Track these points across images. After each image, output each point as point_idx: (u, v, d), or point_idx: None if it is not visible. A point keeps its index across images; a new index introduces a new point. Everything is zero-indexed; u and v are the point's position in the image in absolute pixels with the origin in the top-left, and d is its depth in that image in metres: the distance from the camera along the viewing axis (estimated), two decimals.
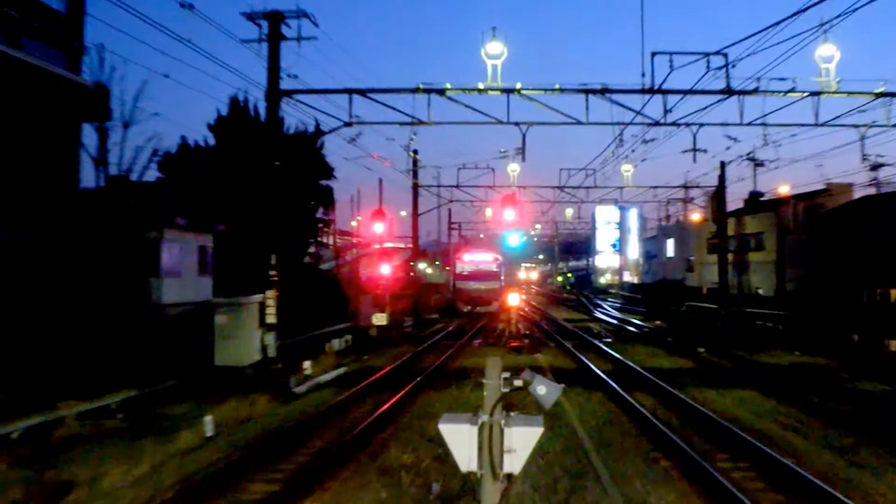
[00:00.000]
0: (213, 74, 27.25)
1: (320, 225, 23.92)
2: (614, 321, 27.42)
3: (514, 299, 20.01)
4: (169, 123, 77.42)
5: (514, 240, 19.40)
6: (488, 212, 43.97)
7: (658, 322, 25.44)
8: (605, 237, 66.84)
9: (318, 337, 16.84)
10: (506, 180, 26.42)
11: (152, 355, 11.73)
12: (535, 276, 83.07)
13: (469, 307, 32.69)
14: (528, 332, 21.13)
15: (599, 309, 35.64)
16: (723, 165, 22.99)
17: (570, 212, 48.08)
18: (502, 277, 43.27)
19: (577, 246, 79.49)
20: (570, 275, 73.05)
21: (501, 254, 35.36)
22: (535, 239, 77.10)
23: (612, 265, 66.45)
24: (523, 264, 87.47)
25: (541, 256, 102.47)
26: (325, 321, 18.33)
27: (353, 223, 50.29)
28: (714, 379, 12.45)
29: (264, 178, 13.09)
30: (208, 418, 8.18)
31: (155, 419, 8.64)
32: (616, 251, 65.00)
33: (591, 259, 72.45)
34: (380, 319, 19.37)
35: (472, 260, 39.70)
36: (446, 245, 50.38)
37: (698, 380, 12.31)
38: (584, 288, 59.83)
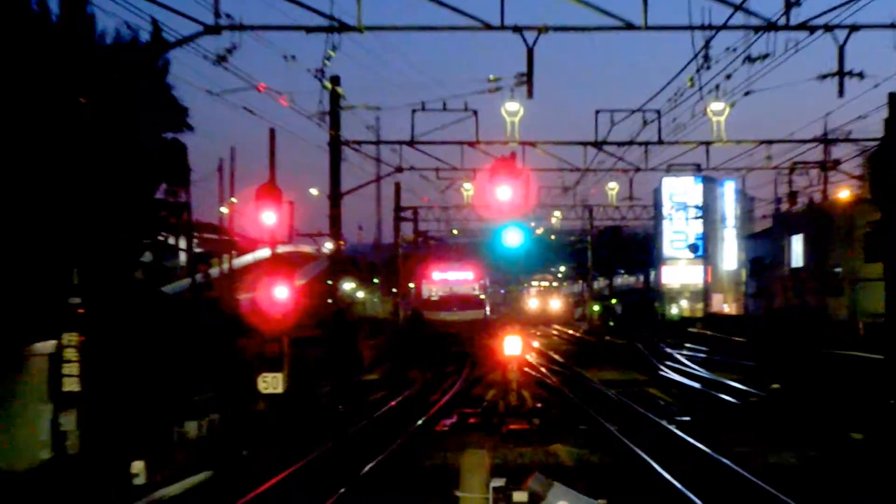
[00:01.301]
0: None
1: (164, 213, 23.33)
2: (695, 384, 27.89)
3: (513, 346, 20.13)
4: None
5: (514, 239, 19.45)
6: (467, 189, 44.68)
7: (777, 385, 25.81)
8: (676, 234, 68.24)
9: (158, 415, 16.58)
10: (499, 132, 26.71)
11: None
12: (555, 302, 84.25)
13: (439, 348, 36.71)
14: (537, 405, 21.50)
15: (668, 362, 36.16)
16: (894, 99, 21.59)
17: (613, 189, 49.31)
18: (487, 304, 46.81)
19: (626, 250, 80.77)
20: (614, 301, 74.09)
21: (487, 267, 37.76)
22: (553, 238, 78.02)
23: (691, 282, 67.94)
24: (533, 283, 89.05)
25: (562, 269, 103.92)
26: (172, 385, 18.08)
27: (224, 210, 50.10)
28: None
29: (53, 127, 12.77)
30: None
31: None
32: (698, 257, 66.51)
33: (652, 273, 73.77)
34: (271, 383, 19.16)
35: (442, 279, 44.99)
36: (392, 251, 51.23)
37: None
38: (639, 323, 60.79)
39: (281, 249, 29.73)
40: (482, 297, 45.66)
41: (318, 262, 49.35)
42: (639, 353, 39.51)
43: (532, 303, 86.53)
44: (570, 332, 62.59)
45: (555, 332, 64.32)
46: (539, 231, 64.41)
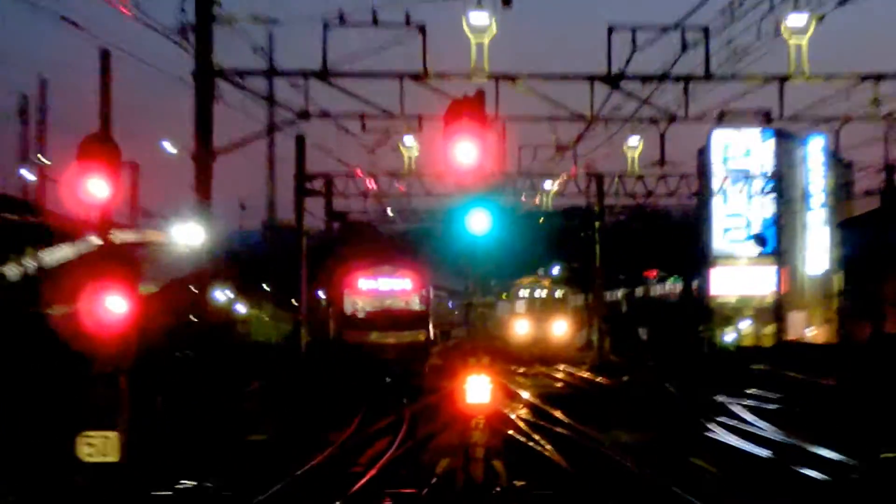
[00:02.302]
0: None
1: None
2: (762, 451, 28.23)
3: (478, 391, 20.32)
4: None
5: (480, 222, 19.74)
6: (409, 147, 44.74)
7: (892, 454, 26.13)
8: (733, 218, 68.72)
9: None
10: (460, 60, 26.85)
11: None
12: (560, 325, 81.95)
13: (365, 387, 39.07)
14: (515, 483, 21.83)
15: (720, 417, 36.52)
16: None
17: (635, 148, 49.68)
18: (430, 322, 49.18)
19: (654, 242, 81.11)
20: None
21: (437, 269, 39.06)
22: (542, 222, 78.44)
23: (755, 294, 68.18)
24: (522, 291, 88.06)
25: (555, 271, 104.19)
26: None
27: (29, 175, 49.41)
28: None
29: None
30: None
31: None
32: (767, 254, 66.91)
33: (696, 277, 74.10)
34: (99, 448, 19.08)
35: (369, 288, 47.47)
36: (293, 242, 51.25)
37: None
38: (674, 356, 61.00)
39: (119, 238, 29.32)
40: (423, 311, 48.58)
41: (176, 259, 49.03)
42: (670, 402, 39.94)
43: (520, 325, 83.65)
44: (586, 375, 59.96)
45: (559, 375, 61.26)
46: (530, 203, 64.79)
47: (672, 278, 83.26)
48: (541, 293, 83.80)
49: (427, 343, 48.70)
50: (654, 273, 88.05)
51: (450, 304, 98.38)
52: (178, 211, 56.80)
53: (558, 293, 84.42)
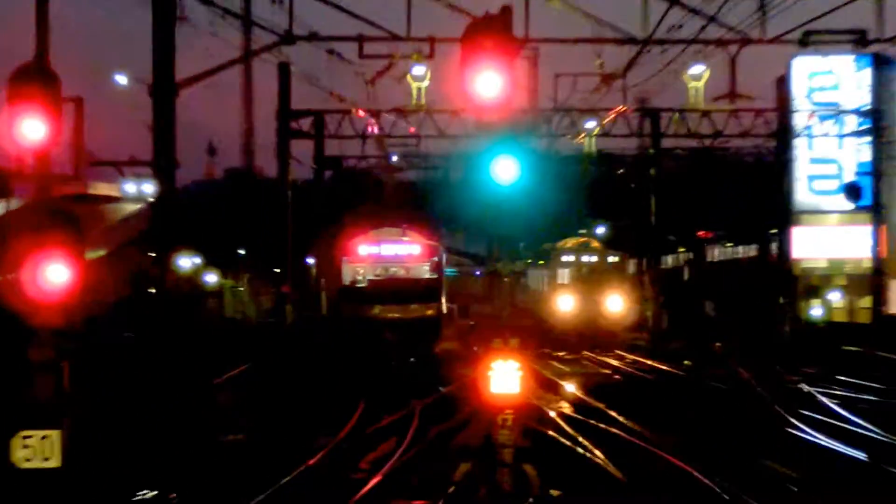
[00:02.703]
0: None
1: None
2: (857, 454, 28.16)
3: (504, 378, 20.41)
4: None
5: (506, 171, 19.71)
6: (418, 76, 44.65)
7: None
8: (820, 164, 68.37)
9: None
10: None
11: None
12: (615, 301, 77.57)
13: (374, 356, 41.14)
14: (552, 492, 21.95)
15: (804, 410, 36.51)
16: None
17: (699, 80, 49.42)
18: (442, 291, 51.42)
19: (723, 195, 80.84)
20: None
21: (452, 230, 39.45)
22: (584, 170, 78.31)
23: (848, 257, 67.82)
24: (565, 257, 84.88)
25: (600, 231, 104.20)
26: None
27: None
28: None
29: None
30: None
31: None
32: (862, 209, 66.49)
33: (774, 238, 73.86)
34: (38, 450, 19.26)
35: (370, 254, 48.88)
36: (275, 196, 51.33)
37: None
38: (746, 332, 60.33)
39: (61, 191, 29.27)
40: (435, 280, 50.26)
41: (130, 217, 49.12)
42: (744, 391, 39.95)
43: (563, 301, 79.16)
44: (640, 359, 58.80)
45: (613, 362, 59.76)
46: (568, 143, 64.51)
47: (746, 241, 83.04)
48: (590, 259, 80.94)
49: (439, 318, 50.03)
50: (709, 234, 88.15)
51: (477, 273, 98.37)
52: (132, 158, 56.98)
53: (613, 259, 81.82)
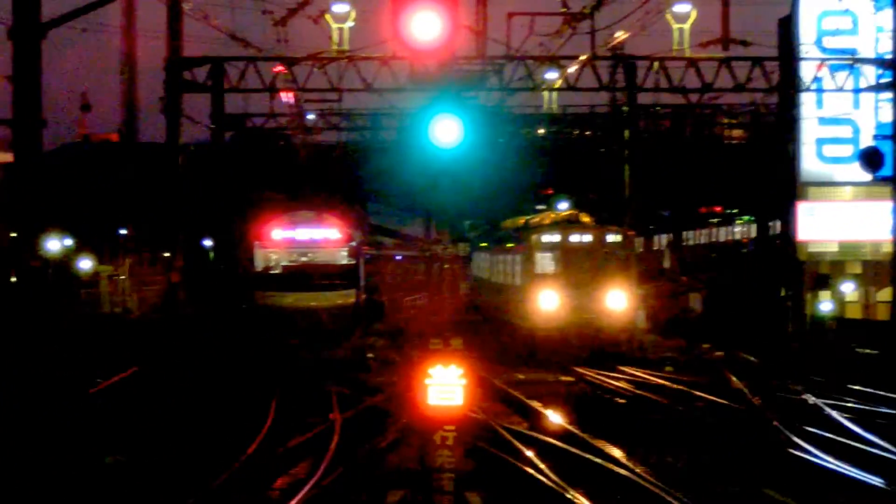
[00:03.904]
0: None
1: None
2: (875, 480, 28.39)
3: (445, 390, 20.57)
4: None
5: (447, 132, 19.76)
6: (338, 13, 44.78)
7: None
8: (830, 126, 68.74)
9: None
10: None
11: None
12: (619, 294, 66.78)
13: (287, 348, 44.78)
14: None
15: (804, 432, 36.76)
16: None
17: (683, 19, 49.74)
18: (360, 279, 55.72)
19: (713, 163, 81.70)
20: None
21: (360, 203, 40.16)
22: (544, 133, 78.62)
23: (863, 238, 67.82)
24: (543, 232, 71.50)
25: (562, 206, 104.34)
26: None
27: None
28: None
29: None
30: None
31: None
32: (881, 179, 66.17)
33: (772, 223, 74.03)
34: None
35: (284, 238, 53.31)
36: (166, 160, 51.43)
37: None
38: (740, 330, 60.49)
39: None
40: (352, 263, 54.47)
41: None
42: (738, 403, 40.27)
43: (546, 298, 65.42)
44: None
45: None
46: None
47: (743, 218, 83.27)
48: (582, 238, 68.67)
49: (356, 306, 53.90)
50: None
51: (410, 257, 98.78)
52: None
53: (613, 238, 69.62)
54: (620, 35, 55.48)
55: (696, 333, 67.03)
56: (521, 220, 76.32)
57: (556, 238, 67.32)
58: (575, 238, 66.82)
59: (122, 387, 40.23)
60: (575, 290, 64.54)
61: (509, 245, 76.07)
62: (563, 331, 63.24)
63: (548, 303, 64.88)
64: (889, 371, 48.07)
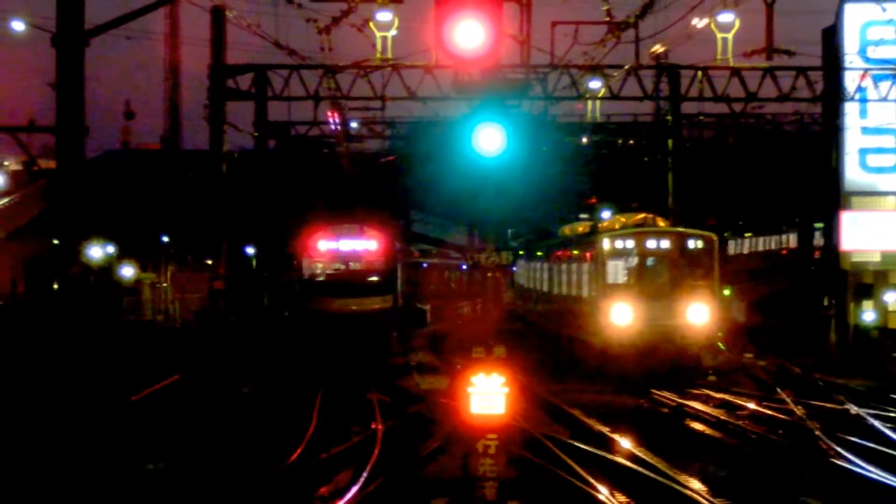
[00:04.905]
0: None
1: None
2: None
3: (487, 399, 20.52)
4: None
5: (491, 140, 19.72)
6: (383, 23, 44.86)
7: None
8: (875, 135, 68.24)
9: None
10: None
11: None
12: (702, 308, 61.09)
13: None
14: None
15: (847, 442, 36.48)
16: None
17: (727, 29, 49.59)
18: (396, 284, 57.43)
19: (755, 171, 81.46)
20: (727, 292, 73.84)
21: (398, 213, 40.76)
22: (586, 142, 78.56)
23: None
24: (616, 238, 65.09)
25: (605, 215, 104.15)
26: None
27: None
28: None
29: None
30: None
31: None
32: None
33: (817, 231, 73.72)
34: None
35: (328, 249, 55.35)
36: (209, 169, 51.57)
37: None
38: (782, 339, 59.46)
39: None
40: (389, 270, 57.35)
41: (28, 195, 49.11)
42: (780, 411, 40.07)
43: (619, 311, 58.28)
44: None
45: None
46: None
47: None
48: (660, 245, 62.26)
49: (389, 309, 55.92)
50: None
51: (462, 267, 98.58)
52: (32, 122, 56.88)
53: (694, 243, 63.52)
54: (657, 48, 55.44)
55: (738, 343, 66.84)
56: (581, 227, 71.90)
57: (629, 244, 60.91)
58: (651, 244, 60.57)
59: (164, 394, 40.31)
60: (652, 301, 58.54)
61: (574, 252, 67.80)
62: (637, 347, 57.01)
63: (620, 316, 58.26)
64: None
